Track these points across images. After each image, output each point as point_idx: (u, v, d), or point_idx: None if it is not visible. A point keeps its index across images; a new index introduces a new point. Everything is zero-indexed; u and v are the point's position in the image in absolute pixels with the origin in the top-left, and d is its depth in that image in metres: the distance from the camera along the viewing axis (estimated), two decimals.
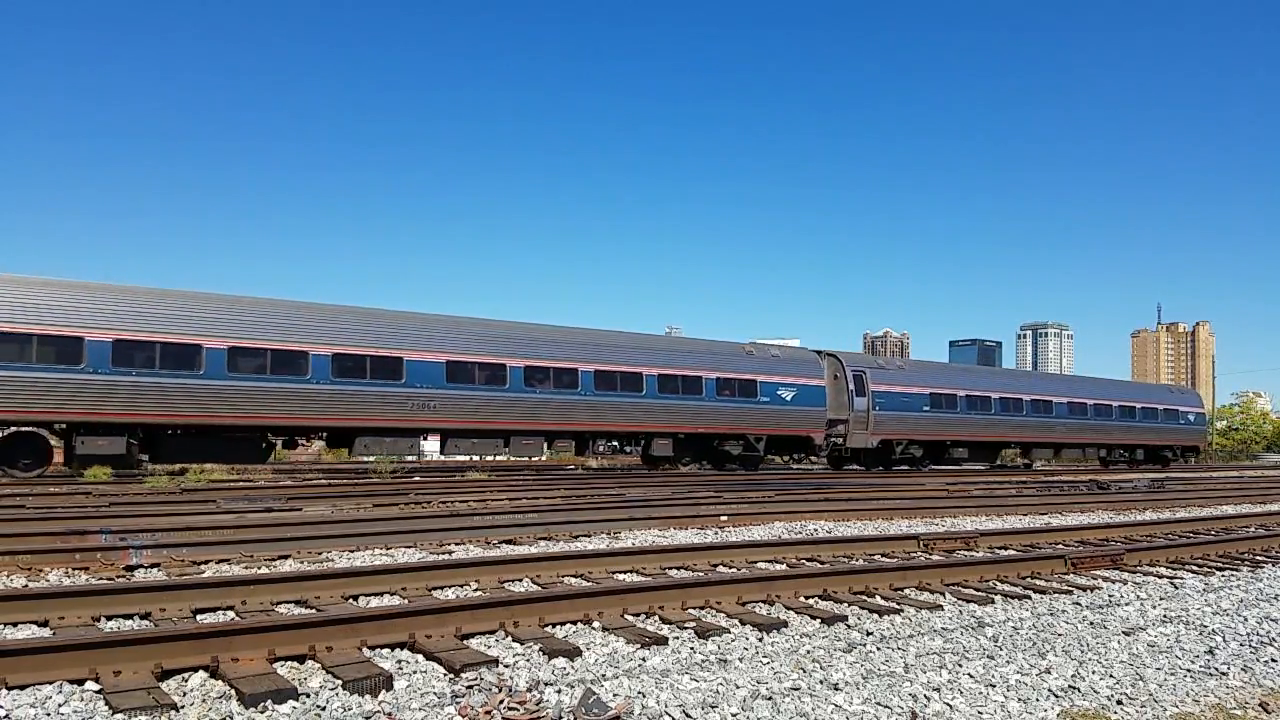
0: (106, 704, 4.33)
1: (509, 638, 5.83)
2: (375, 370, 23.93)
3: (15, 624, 5.94)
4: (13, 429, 20.68)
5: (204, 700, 4.50)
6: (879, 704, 4.69)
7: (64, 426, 21.05)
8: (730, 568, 8.93)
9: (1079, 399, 41.78)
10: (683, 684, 4.92)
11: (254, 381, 22.31)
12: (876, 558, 9.94)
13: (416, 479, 22.31)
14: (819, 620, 6.66)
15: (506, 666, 5.23)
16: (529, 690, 4.71)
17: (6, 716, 4.17)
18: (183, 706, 4.38)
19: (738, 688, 4.88)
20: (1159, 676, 5.43)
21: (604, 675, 5.07)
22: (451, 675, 5.00)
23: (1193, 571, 9.63)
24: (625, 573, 8.45)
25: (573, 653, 5.48)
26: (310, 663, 5.13)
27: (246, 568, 8.61)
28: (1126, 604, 7.70)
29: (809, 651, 5.75)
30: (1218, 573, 9.59)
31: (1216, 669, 5.65)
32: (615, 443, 28.92)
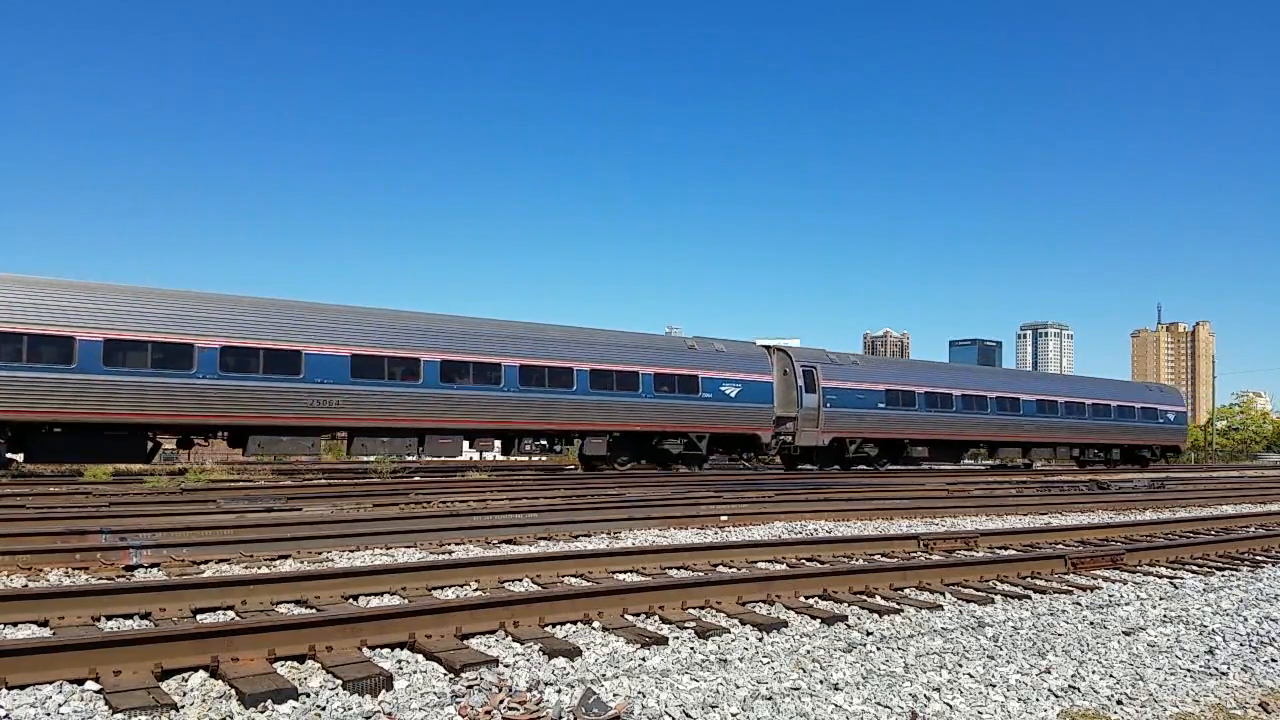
0: (106, 704, 4.33)
1: (509, 638, 5.84)
2: (270, 364, 22.49)
3: (15, 624, 5.94)
4: None
5: (204, 700, 4.50)
6: (879, 704, 4.70)
7: None
8: (730, 568, 8.93)
9: (1049, 396, 40.72)
10: (683, 684, 4.92)
11: (133, 376, 20.86)
12: (876, 558, 9.94)
13: (416, 479, 22.31)
14: (819, 620, 6.66)
15: (506, 666, 5.23)
16: (529, 690, 4.71)
17: (6, 716, 4.17)
18: (183, 706, 4.38)
19: (738, 688, 4.88)
20: (1159, 676, 5.43)
21: (604, 675, 5.07)
22: (451, 675, 5.01)
23: (1193, 571, 9.64)
24: (625, 573, 8.45)
25: (573, 653, 5.48)
26: (310, 663, 5.13)
27: (246, 568, 8.61)
28: (1126, 604, 7.70)
29: (809, 651, 5.75)
30: (1218, 573, 9.59)
31: (1216, 669, 5.65)
32: (544, 441, 27.72)
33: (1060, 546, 11.19)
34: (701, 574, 8.45)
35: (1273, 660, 5.89)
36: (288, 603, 6.76)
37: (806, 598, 7.39)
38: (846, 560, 9.72)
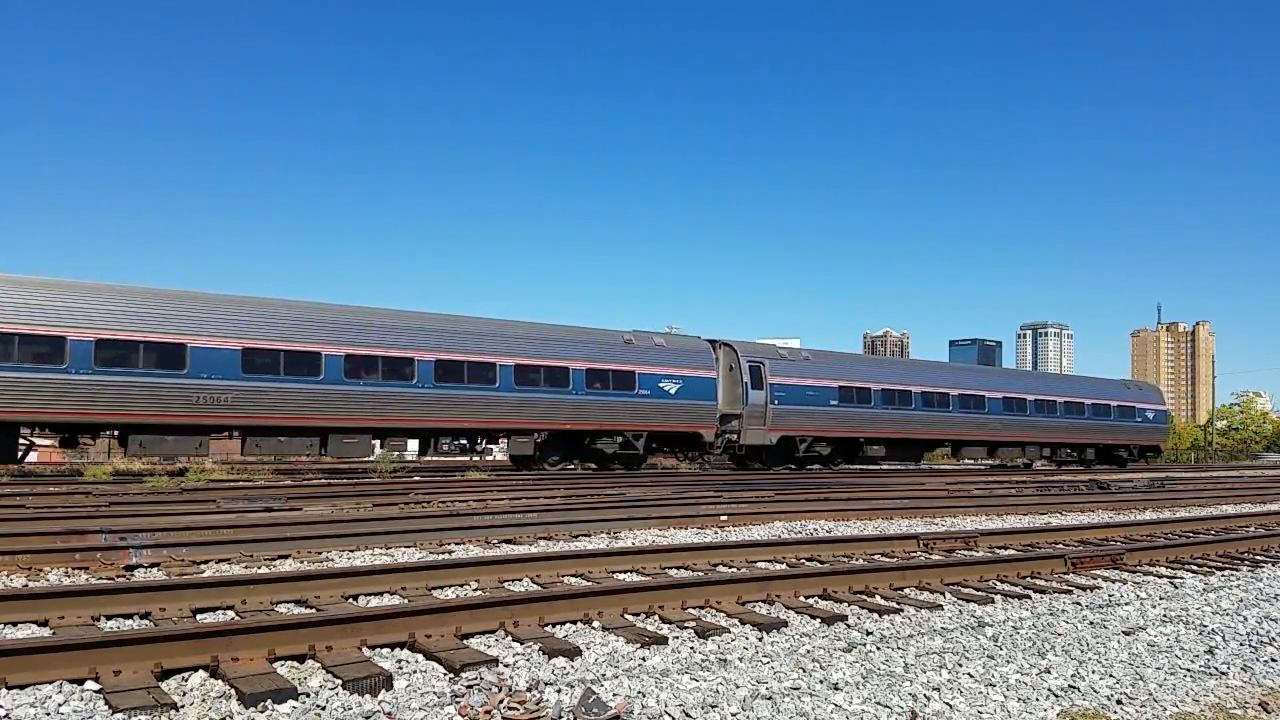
0: (106, 704, 4.33)
1: (509, 637, 5.84)
2: (151, 359, 21.15)
3: (15, 624, 5.94)
4: None
5: (204, 700, 4.50)
6: (879, 704, 4.70)
7: None
8: (730, 567, 8.93)
9: (1016, 394, 39.40)
10: (683, 684, 4.92)
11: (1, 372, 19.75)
12: (876, 557, 9.94)
13: (416, 479, 22.31)
14: (819, 620, 6.66)
15: (506, 666, 5.23)
16: (529, 690, 4.71)
17: (6, 716, 4.17)
18: (183, 706, 4.38)
19: (738, 687, 4.89)
20: (1159, 676, 5.43)
21: (604, 675, 5.07)
22: (451, 675, 5.01)
23: (1193, 571, 9.64)
24: (625, 572, 8.46)
25: (573, 652, 5.48)
26: (310, 662, 5.13)
27: (246, 568, 8.61)
28: (1126, 604, 7.70)
29: (809, 651, 5.76)
30: (1218, 572, 9.59)
31: (1216, 669, 5.65)
32: (464, 441, 26.29)
33: (1060, 546, 11.19)
34: (701, 574, 8.46)
35: (1273, 660, 5.89)
36: (287, 602, 6.76)
37: (806, 597, 7.39)
38: (846, 560, 9.72)
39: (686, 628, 6.26)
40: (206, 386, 21.63)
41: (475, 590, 7.54)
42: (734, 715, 4.47)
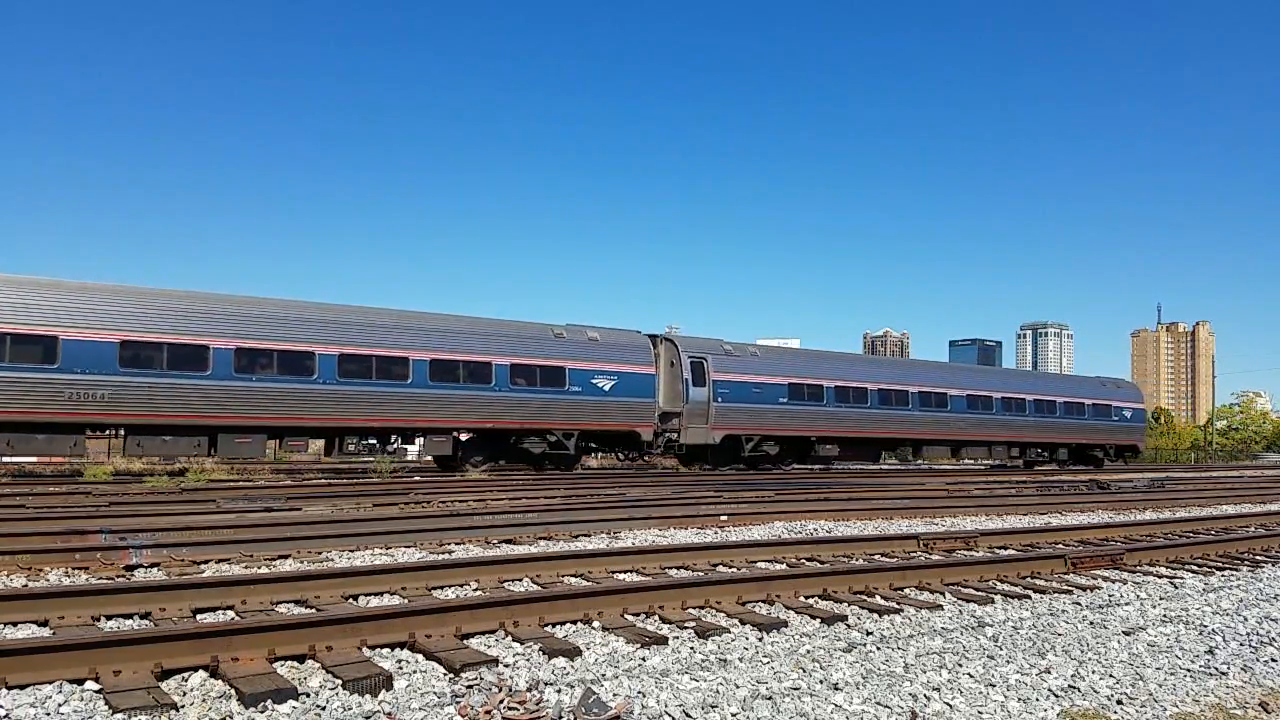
0: (106, 704, 4.33)
1: (509, 637, 5.84)
2: (18, 352, 19.72)
3: (15, 624, 5.94)
4: None
5: (204, 700, 4.50)
6: (879, 704, 4.70)
7: None
8: (730, 567, 8.94)
9: (982, 391, 37.62)
10: (683, 684, 4.92)
11: None
12: (876, 557, 9.94)
13: (416, 479, 22.32)
14: (819, 620, 6.66)
15: (506, 666, 5.23)
16: (529, 690, 4.71)
17: (6, 716, 4.17)
18: (183, 706, 4.38)
19: (738, 688, 4.89)
20: (1159, 676, 5.43)
21: (604, 675, 5.07)
22: (451, 675, 5.01)
23: (1193, 571, 9.64)
24: (625, 572, 8.46)
25: (573, 652, 5.48)
26: (310, 662, 5.13)
27: (246, 568, 8.61)
28: (1126, 604, 7.70)
29: (809, 651, 5.76)
30: (1218, 572, 9.59)
31: (1216, 669, 5.65)
32: (373, 440, 24.96)
33: (1060, 546, 11.19)
34: (701, 574, 8.46)
35: (1273, 660, 5.89)
36: (287, 602, 6.76)
37: (806, 598, 7.39)
38: (846, 560, 9.72)
39: (686, 628, 6.27)
40: (79, 382, 20.22)
41: (475, 590, 7.54)
42: (734, 715, 4.47)
